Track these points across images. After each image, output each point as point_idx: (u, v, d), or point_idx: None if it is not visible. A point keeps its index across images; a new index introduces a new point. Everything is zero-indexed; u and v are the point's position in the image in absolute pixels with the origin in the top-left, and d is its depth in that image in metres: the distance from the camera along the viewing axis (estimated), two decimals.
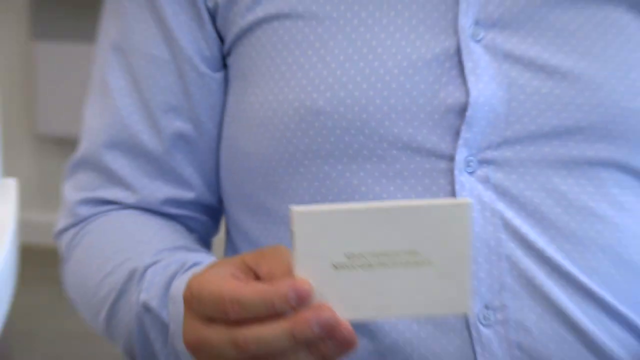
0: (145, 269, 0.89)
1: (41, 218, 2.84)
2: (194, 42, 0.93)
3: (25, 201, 1.57)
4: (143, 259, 0.90)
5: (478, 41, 0.86)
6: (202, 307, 0.71)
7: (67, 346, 2.84)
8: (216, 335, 0.69)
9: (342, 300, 0.69)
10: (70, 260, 0.98)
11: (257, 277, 0.71)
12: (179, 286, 0.83)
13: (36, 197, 3.32)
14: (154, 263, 0.90)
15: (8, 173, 1.49)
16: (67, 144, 3.46)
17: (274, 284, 0.68)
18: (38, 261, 2.07)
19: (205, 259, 0.91)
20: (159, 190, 0.96)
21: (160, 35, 0.94)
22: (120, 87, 0.95)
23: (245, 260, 0.73)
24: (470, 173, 0.85)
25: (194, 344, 0.73)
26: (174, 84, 0.94)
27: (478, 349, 0.84)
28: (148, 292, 0.87)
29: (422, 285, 0.70)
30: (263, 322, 0.68)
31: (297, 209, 0.68)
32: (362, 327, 0.85)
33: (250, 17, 0.89)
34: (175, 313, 0.84)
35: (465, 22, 0.86)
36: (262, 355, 0.69)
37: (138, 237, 0.96)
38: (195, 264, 0.88)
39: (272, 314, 0.67)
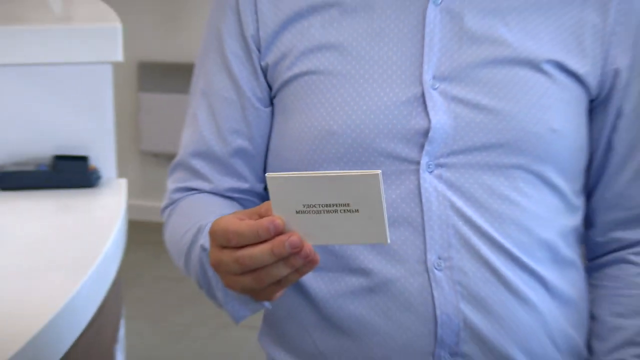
0: (207, 225, 0.85)
1: (142, 204, 2.86)
2: (252, 89, 0.91)
3: (132, 193, 1.50)
4: (208, 219, 0.86)
5: (435, 89, 0.84)
6: (217, 238, 0.71)
7: (162, 286, 2.80)
8: (225, 256, 0.70)
9: (304, 233, 0.68)
10: (167, 226, 0.98)
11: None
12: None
13: (139, 190, 3.31)
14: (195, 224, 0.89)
15: (121, 176, 1.43)
16: (160, 157, 3.42)
17: (259, 221, 0.68)
18: (141, 231, 2.07)
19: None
20: (225, 182, 0.94)
21: (231, 85, 0.92)
22: (204, 118, 0.94)
23: (253, 209, 0.73)
24: (430, 172, 0.84)
25: (214, 263, 0.73)
26: (238, 115, 0.92)
27: (434, 284, 0.81)
28: (205, 239, 0.83)
29: (353, 225, 0.69)
30: (254, 245, 0.68)
31: (269, 174, 0.67)
32: (360, 269, 0.84)
33: (289, 73, 0.88)
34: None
35: (427, 77, 0.84)
36: (256, 268, 0.69)
37: (207, 208, 0.93)
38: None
39: (259, 241, 0.68)
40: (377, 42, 0.84)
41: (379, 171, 0.67)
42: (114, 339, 1.25)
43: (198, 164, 0.92)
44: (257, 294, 0.72)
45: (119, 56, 1.35)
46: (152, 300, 2.79)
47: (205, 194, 0.94)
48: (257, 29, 0.87)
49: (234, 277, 0.70)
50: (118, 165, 1.42)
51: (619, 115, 0.85)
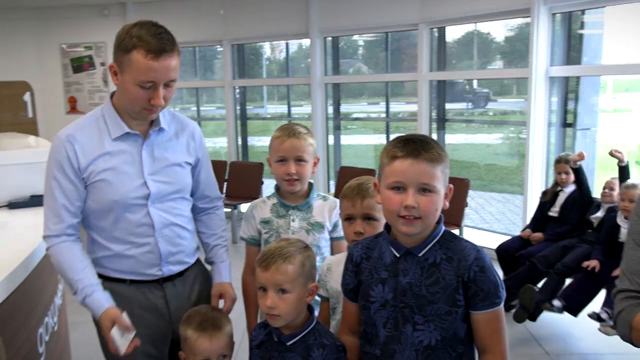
0: (77, 283, 1.40)
1: None
2: (79, 184, 1.44)
3: None
4: (79, 274, 1.41)
5: (149, 179, 1.45)
6: (110, 320, 1.34)
7: None
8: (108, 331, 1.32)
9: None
10: (54, 256, 1.45)
11: None
12: (91, 302, 1.39)
13: None
14: (80, 280, 1.41)
15: None
16: None
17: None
18: None
19: (94, 284, 1.40)
20: (73, 220, 1.45)
21: (71, 184, 1.43)
22: (60, 196, 1.44)
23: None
24: (151, 206, 1.46)
25: (106, 327, 1.35)
26: (75, 194, 1.44)
27: (159, 240, 1.50)
28: (80, 297, 1.40)
29: None
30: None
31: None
32: (135, 241, 1.48)
33: (93, 180, 1.43)
34: (95, 307, 1.40)
35: (146, 175, 1.44)
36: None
37: (74, 262, 1.43)
38: (94, 291, 1.39)
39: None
40: (124, 166, 1.41)
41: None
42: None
43: (62, 214, 1.42)
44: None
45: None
46: None
47: (67, 242, 1.41)
48: (79, 164, 1.40)
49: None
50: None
51: (199, 171, 1.57)
